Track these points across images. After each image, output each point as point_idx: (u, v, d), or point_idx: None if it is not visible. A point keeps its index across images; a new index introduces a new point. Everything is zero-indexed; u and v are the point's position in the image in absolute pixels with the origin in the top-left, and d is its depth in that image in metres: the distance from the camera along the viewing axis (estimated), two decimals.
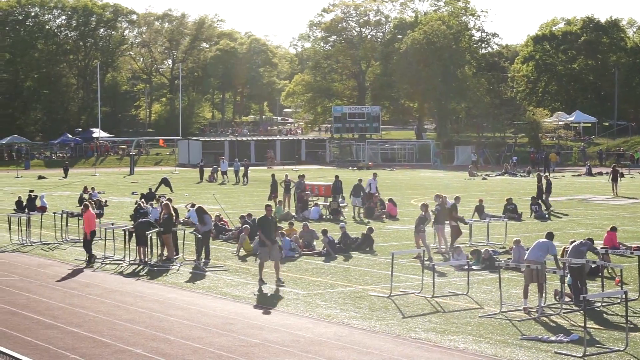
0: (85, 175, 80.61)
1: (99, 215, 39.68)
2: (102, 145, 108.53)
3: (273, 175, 47.51)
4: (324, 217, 41.49)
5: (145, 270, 27.20)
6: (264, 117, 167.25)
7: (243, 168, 68.98)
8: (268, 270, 24.90)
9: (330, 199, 44.24)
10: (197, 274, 26.38)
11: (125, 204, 49.01)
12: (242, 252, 30.32)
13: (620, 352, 16.95)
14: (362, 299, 22.28)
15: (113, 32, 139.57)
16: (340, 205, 42.83)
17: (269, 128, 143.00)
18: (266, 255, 24.55)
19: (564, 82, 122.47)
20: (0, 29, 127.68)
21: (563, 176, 74.44)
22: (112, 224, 32.98)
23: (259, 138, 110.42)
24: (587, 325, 17.60)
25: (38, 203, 43.54)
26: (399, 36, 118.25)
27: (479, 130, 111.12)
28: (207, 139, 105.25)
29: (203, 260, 28.17)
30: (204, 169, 72.55)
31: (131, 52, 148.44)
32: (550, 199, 45.43)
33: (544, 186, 45.20)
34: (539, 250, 21.33)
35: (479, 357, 16.73)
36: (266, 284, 24.17)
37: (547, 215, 41.36)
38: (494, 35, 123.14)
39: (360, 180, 44.20)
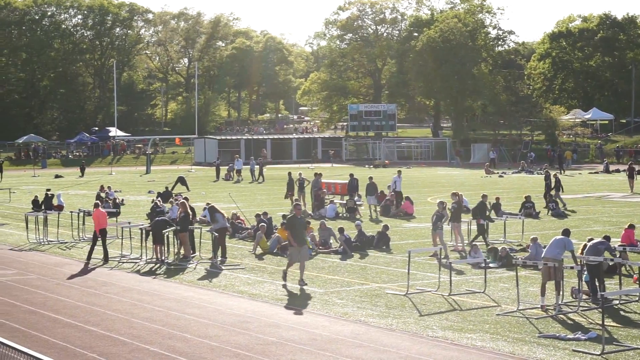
0: (101, 174, 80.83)
1: (116, 214, 39.87)
2: (119, 144, 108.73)
3: (289, 174, 47.47)
4: (340, 215, 41.49)
5: (162, 269, 27.26)
6: (279, 115, 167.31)
7: (258, 167, 68.97)
8: (291, 269, 24.78)
9: (347, 198, 44.20)
10: (214, 273, 26.41)
11: (141, 203, 49.12)
12: (259, 251, 30.34)
13: (638, 349, 16.87)
14: (378, 297, 22.25)
15: (129, 31, 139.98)
16: (357, 203, 42.80)
17: (284, 126, 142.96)
18: (297, 256, 24.37)
19: (580, 79, 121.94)
20: (16, 28, 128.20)
21: (580, 174, 74.19)
22: (129, 223, 33.05)
23: (275, 136, 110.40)
24: (605, 323, 17.53)
25: (55, 202, 43.68)
26: (415, 34, 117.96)
27: (495, 128, 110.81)
28: (223, 138, 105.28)
29: (219, 258, 28.19)
30: (220, 167, 72.59)
31: (147, 51, 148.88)
32: (567, 196, 45.31)
33: (553, 184, 45.13)
34: (556, 247, 21.25)
35: (496, 355, 16.67)
36: (286, 282, 24.13)
37: (564, 213, 41.20)
38: (511, 32, 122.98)
39: (370, 178, 43.94)
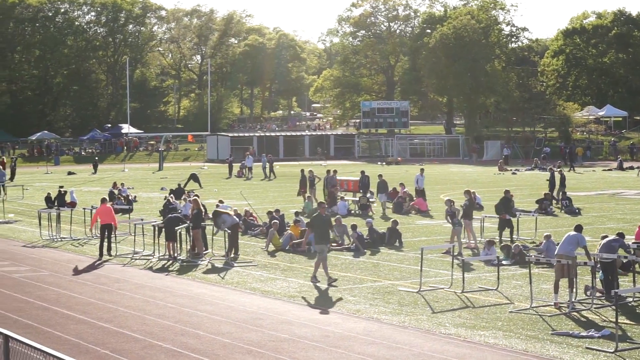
0: (114, 171, 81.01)
1: (129, 211, 39.91)
2: (131, 141, 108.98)
3: (302, 171, 47.43)
4: (352, 212, 41.45)
5: (175, 266, 27.27)
6: (292, 112, 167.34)
7: (269, 164, 68.89)
8: (308, 267, 24.78)
9: (359, 195, 44.15)
10: (226, 269, 26.41)
11: (154, 200, 49.18)
12: (271, 248, 30.33)
13: None
14: (391, 294, 22.21)
15: (142, 28, 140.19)
16: (370, 200, 42.75)
17: (297, 123, 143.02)
18: (325, 254, 24.13)
19: (594, 76, 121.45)
20: (30, 25, 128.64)
21: (594, 171, 73.98)
22: (142, 220, 33.08)
23: (288, 133, 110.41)
24: (619, 321, 17.45)
25: (68, 199, 43.72)
26: (428, 31, 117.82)
27: (509, 125, 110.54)
28: (235, 135, 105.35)
29: (232, 255, 28.19)
30: (233, 164, 72.60)
31: (160, 48, 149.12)
32: (580, 193, 45.16)
33: (557, 180, 45.04)
34: (569, 244, 21.17)
35: (509, 353, 16.62)
36: (319, 282, 24.01)
37: (577, 210, 41.01)
38: (524, 29, 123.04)
39: (380, 176, 43.75)
